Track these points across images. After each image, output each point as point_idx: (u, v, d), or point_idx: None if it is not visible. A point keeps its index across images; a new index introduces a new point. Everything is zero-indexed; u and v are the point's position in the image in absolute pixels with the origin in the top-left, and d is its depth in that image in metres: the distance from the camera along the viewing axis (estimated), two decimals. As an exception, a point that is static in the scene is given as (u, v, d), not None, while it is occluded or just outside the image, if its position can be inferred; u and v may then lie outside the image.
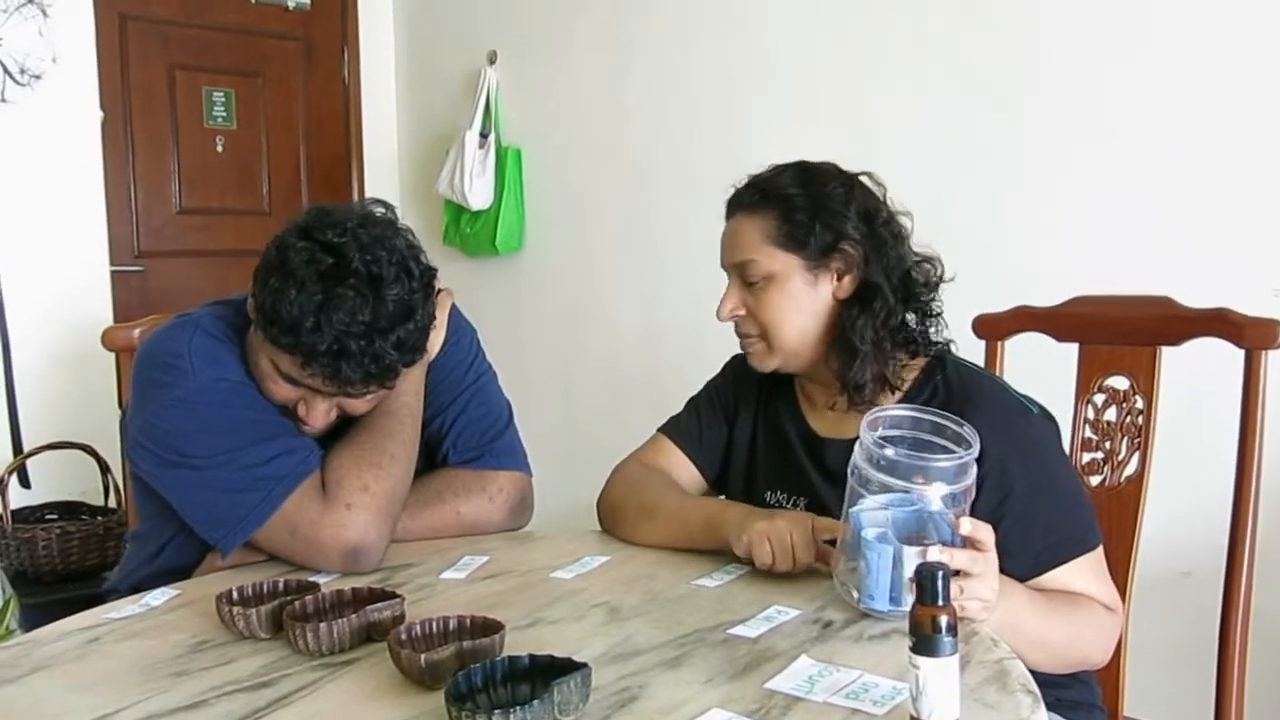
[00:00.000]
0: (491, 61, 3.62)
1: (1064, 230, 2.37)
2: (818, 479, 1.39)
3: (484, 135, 3.57)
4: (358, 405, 1.37)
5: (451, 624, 1.06)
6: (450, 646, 0.97)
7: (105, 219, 3.17)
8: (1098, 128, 2.31)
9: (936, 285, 1.38)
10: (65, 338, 2.98)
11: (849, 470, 1.14)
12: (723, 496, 1.53)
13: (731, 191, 1.42)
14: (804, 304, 1.36)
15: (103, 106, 3.30)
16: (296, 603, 1.11)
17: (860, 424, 1.27)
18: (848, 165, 1.42)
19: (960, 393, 1.32)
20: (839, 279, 1.36)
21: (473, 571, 1.33)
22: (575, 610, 1.17)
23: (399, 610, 1.10)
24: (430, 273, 1.34)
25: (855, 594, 1.09)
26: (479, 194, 3.52)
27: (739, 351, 1.53)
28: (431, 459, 1.55)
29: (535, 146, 3.57)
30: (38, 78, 2.86)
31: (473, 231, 3.59)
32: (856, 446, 1.14)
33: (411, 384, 1.46)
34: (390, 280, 1.26)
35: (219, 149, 3.72)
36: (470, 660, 0.97)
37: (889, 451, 1.10)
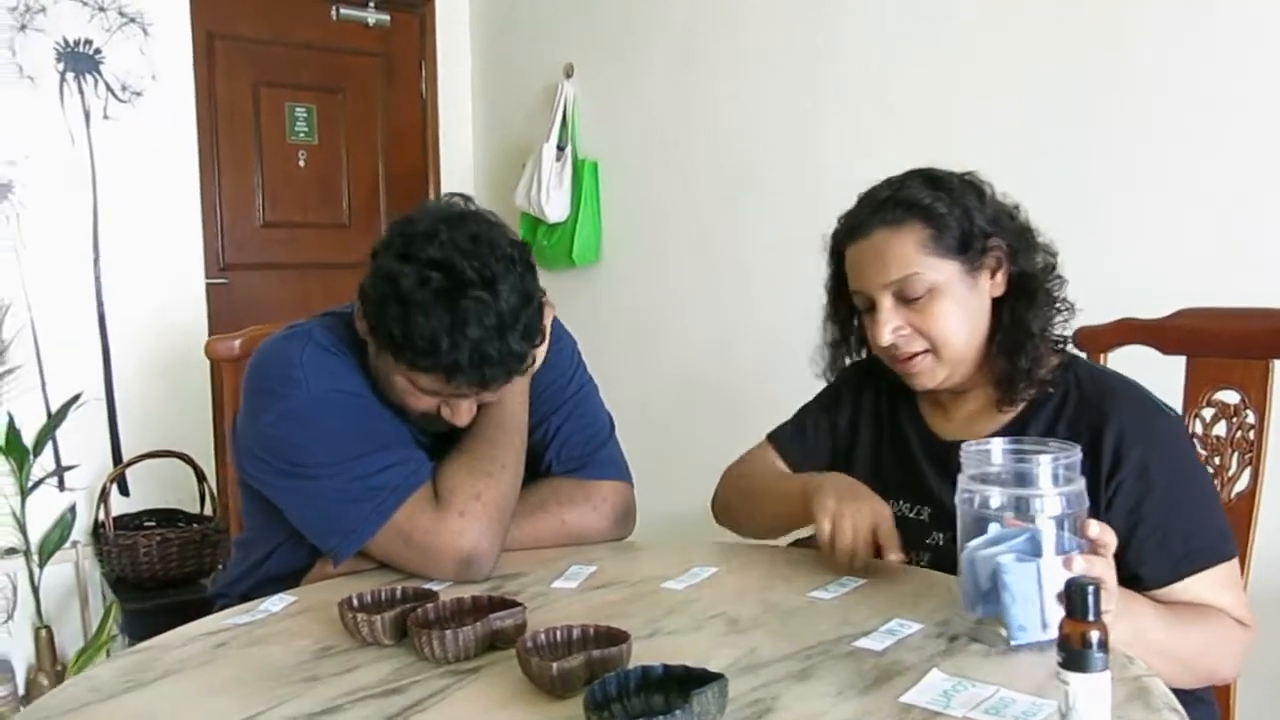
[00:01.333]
0: (569, 75, 3.63)
1: (1166, 239, 2.32)
2: (943, 486, 1.37)
3: (561, 148, 3.58)
4: (493, 397, 1.39)
5: (575, 633, 1.06)
6: (580, 655, 0.97)
7: (201, 232, 3.23)
8: (1201, 131, 2.26)
9: (1058, 275, 1.38)
10: (163, 348, 3.05)
11: (958, 503, 1.11)
12: None
13: (847, 216, 1.41)
14: (970, 309, 1.34)
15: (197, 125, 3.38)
16: (419, 610, 1.12)
17: (986, 427, 1.27)
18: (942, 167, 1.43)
19: (1096, 390, 1.30)
20: (993, 276, 1.35)
21: (583, 581, 1.33)
22: (693, 621, 1.17)
23: (521, 619, 1.11)
24: (525, 248, 1.36)
25: (1004, 632, 1.05)
26: (556, 206, 3.54)
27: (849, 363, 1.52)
28: (534, 469, 1.55)
29: (611, 159, 3.57)
30: (139, 94, 2.94)
31: (550, 244, 3.60)
32: (960, 482, 1.11)
33: (517, 394, 1.47)
34: (502, 275, 1.28)
35: (301, 164, 3.79)
36: (600, 670, 0.97)
37: (993, 495, 1.08)
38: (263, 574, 1.50)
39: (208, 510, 2.65)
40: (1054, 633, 1.02)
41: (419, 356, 1.28)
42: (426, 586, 1.26)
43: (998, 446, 1.12)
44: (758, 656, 1.05)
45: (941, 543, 1.37)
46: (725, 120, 3.20)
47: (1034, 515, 1.05)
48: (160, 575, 2.43)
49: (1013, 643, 1.05)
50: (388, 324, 1.29)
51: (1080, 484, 1.06)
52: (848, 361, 1.52)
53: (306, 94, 3.80)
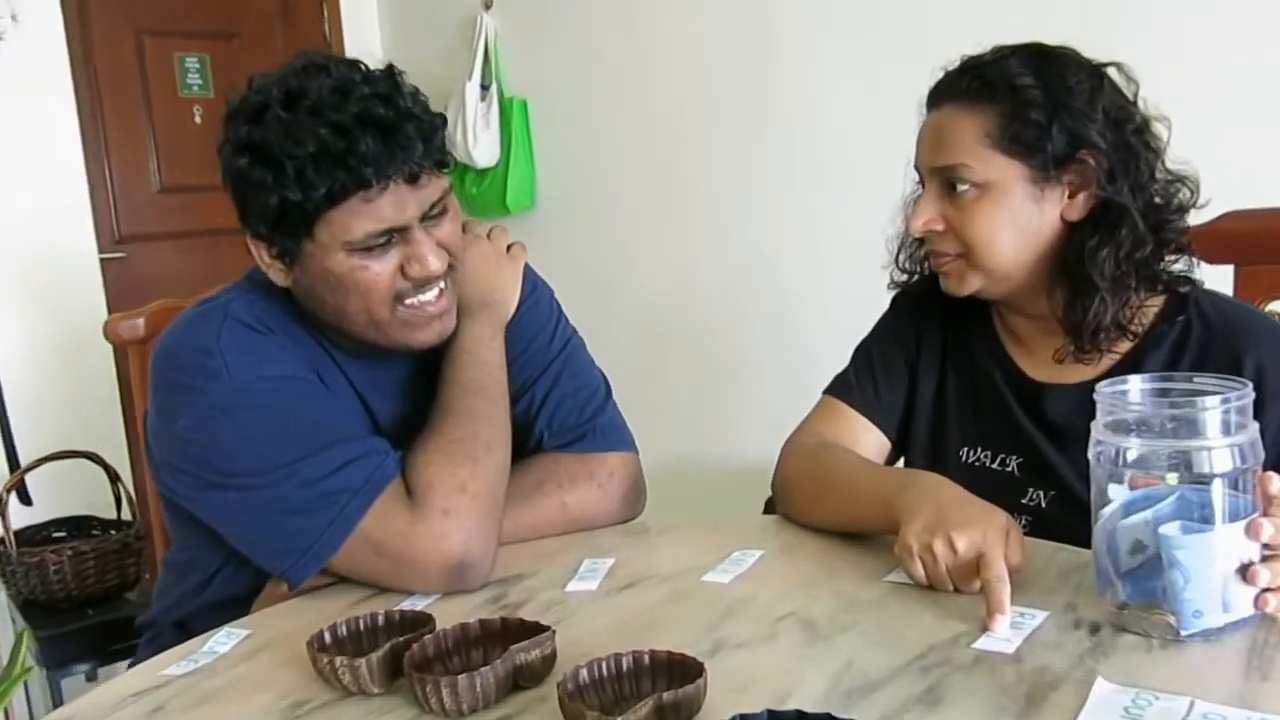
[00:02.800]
0: (487, 6, 3.33)
1: (1207, 137, 2.12)
2: (1035, 432, 1.16)
3: (485, 87, 3.31)
4: (445, 230, 1.14)
5: (626, 663, 0.82)
6: (647, 702, 0.73)
7: (89, 200, 2.89)
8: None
9: (1187, 211, 1.14)
10: (56, 334, 2.71)
11: (1091, 459, 0.89)
12: (901, 461, 1.29)
13: (939, 75, 1.18)
14: (1023, 222, 1.12)
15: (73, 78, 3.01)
16: (416, 646, 0.86)
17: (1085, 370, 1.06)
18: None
19: (1224, 325, 1.09)
20: (1071, 195, 1.12)
21: (603, 580, 1.08)
22: (759, 627, 0.93)
23: (550, 648, 0.86)
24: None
25: (1170, 619, 0.83)
26: (484, 151, 3.27)
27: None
28: (522, 445, 1.30)
29: (542, 96, 3.31)
30: (-2, 38, 2.56)
31: (479, 192, 3.34)
32: (1094, 433, 0.89)
33: (494, 351, 1.21)
34: (360, 74, 1.08)
35: (197, 119, 3.43)
36: (674, 717, 0.73)
37: (1142, 449, 0.85)
38: (205, 600, 1.23)
39: (125, 515, 2.34)
40: (1237, 615, 0.82)
41: (320, 177, 1.03)
42: (416, 608, 1.01)
43: (1137, 386, 0.90)
44: (862, 675, 0.82)
45: (1043, 504, 1.16)
46: (674, 46, 2.93)
47: (1202, 473, 0.83)
48: (76, 594, 2.12)
49: (1184, 633, 0.83)
50: (275, 192, 1.04)
51: (1254, 431, 0.84)
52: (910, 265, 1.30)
53: (196, 42, 3.43)
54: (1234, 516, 0.83)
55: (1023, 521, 1.16)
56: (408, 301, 1.13)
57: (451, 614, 1.00)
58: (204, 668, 0.96)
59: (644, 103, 3.03)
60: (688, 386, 3.01)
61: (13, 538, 2.22)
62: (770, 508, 2.37)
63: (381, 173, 1.04)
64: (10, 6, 2.60)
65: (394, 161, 1.05)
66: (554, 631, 0.86)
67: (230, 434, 1.09)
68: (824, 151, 2.63)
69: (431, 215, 1.12)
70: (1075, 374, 1.16)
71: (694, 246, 2.97)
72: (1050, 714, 0.74)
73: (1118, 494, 0.87)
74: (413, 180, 1.07)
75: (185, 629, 1.24)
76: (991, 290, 1.17)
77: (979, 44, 1.18)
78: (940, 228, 1.15)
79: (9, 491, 2.35)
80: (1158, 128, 1.14)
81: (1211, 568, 0.81)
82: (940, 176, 1.14)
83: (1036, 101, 1.09)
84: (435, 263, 1.11)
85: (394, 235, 1.09)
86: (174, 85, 3.39)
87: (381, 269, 1.10)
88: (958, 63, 1.17)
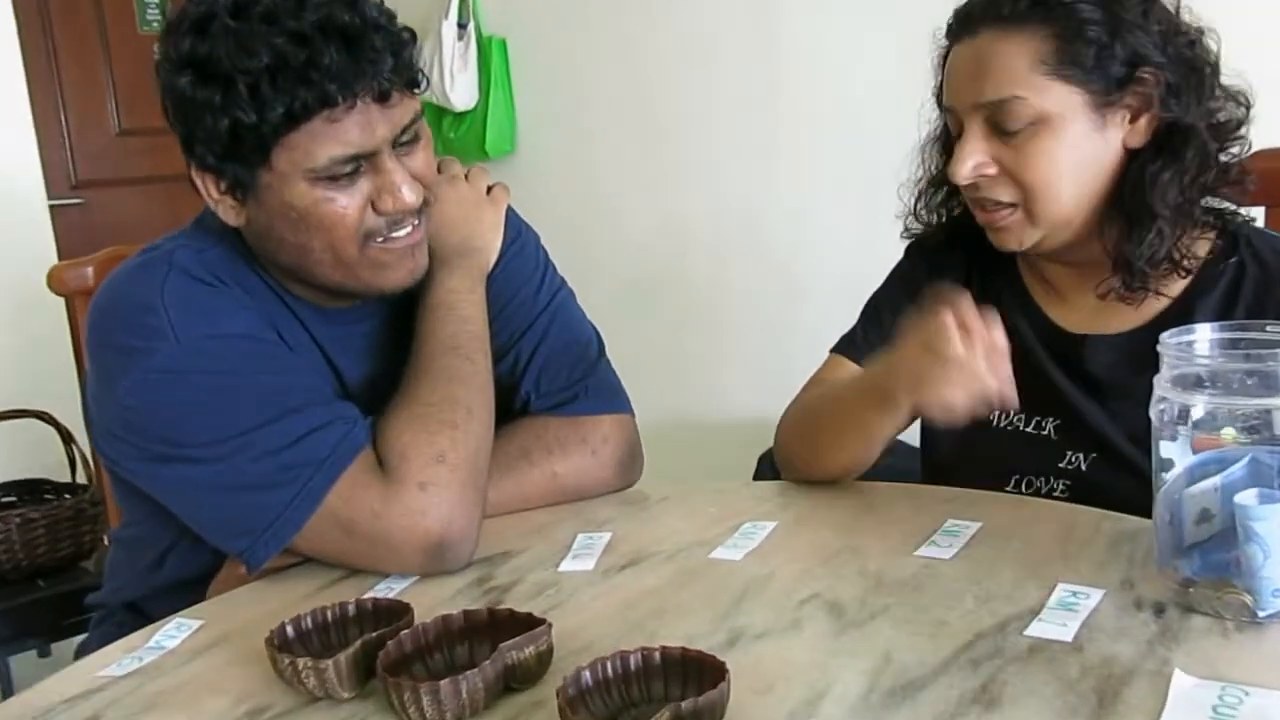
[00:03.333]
0: (460, -54, 3.16)
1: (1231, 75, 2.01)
2: (1074, 390, 1.06)
3: (462, 25, 3.12)
4: (418, 160, 1.01)
5: (634, 663, 0.71)
6: (663, 713, 0.62)
7: (36, 143, 2.72)
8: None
9: (1245, 129, 1.03)
10: (2, 287, 2.56)
11: (1153, 419, 0.78)
12: (917, 426, 1.18)
13: (962, 4, 1.04)
14: (1087, 156, 1.00)
15: (15, 15, 2.84)
16: (391, 643, 0.75)
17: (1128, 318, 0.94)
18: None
19: None
20: (1133, 120, 1.00)
21: (600, 557, 0.97)
22: (780, 612, 0.83)
23: (545, 643, 0.75)
24: None
25: (1246, 599, 0.73)
26: (462, 93, 3.10)
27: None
28: (507, 408, 1.18)
29: (523, 34, 3.15)
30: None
31: (458, 136, 3.18)
32: (1156, 389, 0.78)
33: (474, 305, 1.09)
34: None
35: (158, 59, 3.25)
36: (694, 728, 0.63)
37: (1211, 406, 0.75)
38: (156, 582, 1.12)
39: (80, 478, 2.21)
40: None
41: (277, 95, 0.89)
42: (392, 592, 0.90)
43: (1206, 335, 0.79)
44: (904, 670, 0.72)
45: (1084, 466, 1.06)
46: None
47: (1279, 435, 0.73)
48: (28, 564, 1.98)
49: (1261, 614, 0.73)
50: (225, 114, 0.91)
51: None
52: (933, 216, 1.18)
53: (155, -26, 3.25)
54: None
55: (1060, 487, 1.06)
56: (379, 240, 1.01)
57: (432, 600, 0.90)
58: (149, 666, 0.85)
59: (629, 42, 2.88)
60: (674, 340, 2.90)
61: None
62: (762, 472, 2.29)
63: (348, 88, 0.91)
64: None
65: (361, 76, 0.92)
66: (550, 625, 0.75)
67: (177, 400, 0.97)
68: (817, 95, 2.51)
69: (403, 142, 0.99)
70: (1117, 322, 1.06)
71: (681, 194, 2.83)
72: (1126, 710, 0.64)
73: (1182, 456, 0.77)
74: (383, 99, 0.94)
75: (138, 611, 1.13)
76: (1051, 242, 1.05)
77: None
78: (993, 171, 1.02)
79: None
80: (1208, 42, 1.02)
81: (1293, 544, 0.71)
82: (985, 113, 1.01)
83: (1093, 16, 0.97)
84: (409, 195, 0.98)
85: (362, 163, 0.96)
86: (133, 22, 3.22)
87: (349, 202, 0.97)
88: None
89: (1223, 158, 1.02)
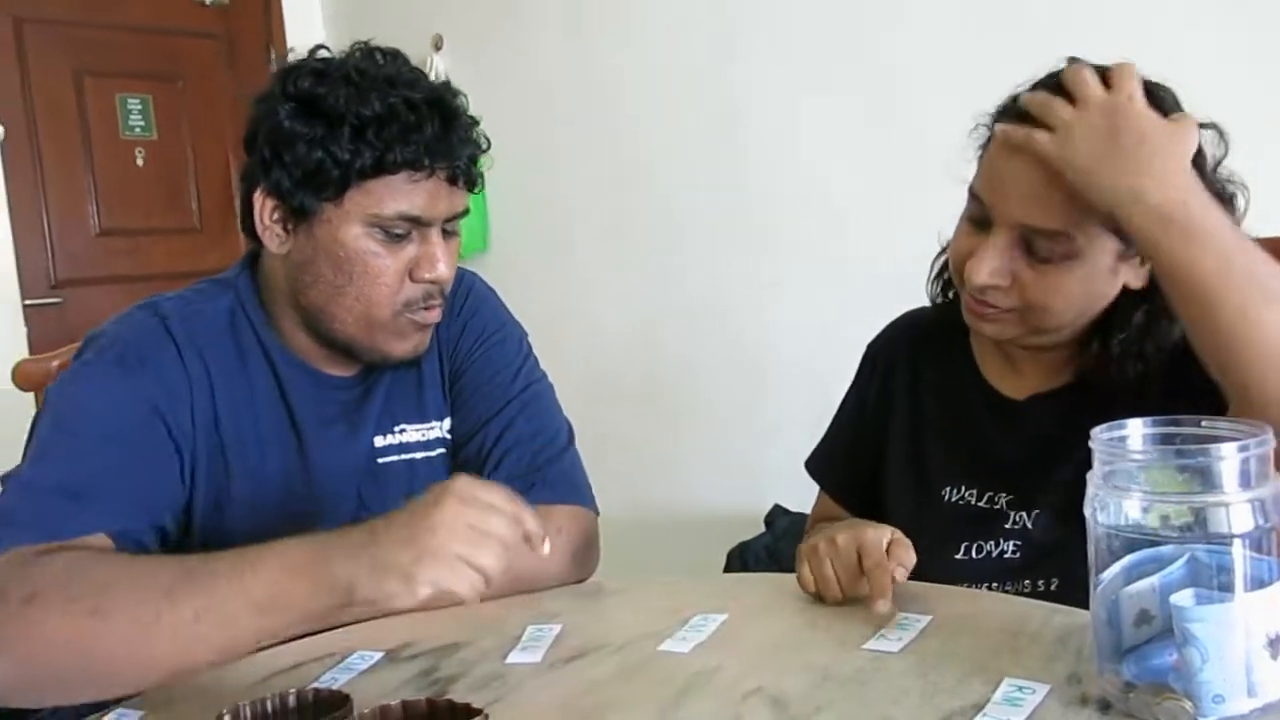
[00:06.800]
0: (438, 48, 3.26)
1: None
2: (1020, 456, 1.08)
3: (438, 128, 3.22)
4: (453, 247, 1.13)
5: (570, 754, 0.70)
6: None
7: (12, 244, 2.74)
8: None
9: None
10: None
11: (1087, 516, 0.78)
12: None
13: (1027, 95, 1.00)
14: (1096, 292, 1.01)
15: (1, 120, 2.88)
16: (325, 734, 0.74)
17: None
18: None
19: None
20: (1141, 264, 1.01)
21: (549, 650, 0.96)
22: (722, 706, 0.82)
23: (483, 735, 0.74)
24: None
25: (1186, 705, 0.72)
26: (437, 193, 3.17)
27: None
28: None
29: (495, 138, 3.12)
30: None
31: (432, 235, 3.23)
32: (1090, 486, 0.78)
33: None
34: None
35: (139, 162, 3.32)
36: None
37: (1143, 506, 0.74)
38: None
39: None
40: (1264, 699, 0.71)
41: (377, 142, 1.02)
42: (333, 685, 0.89)
43: (1139, 430, 0.80)
44: (844, 763, 0.71)
45: (1029, 525, 1.07)
46: (628, 88, 2.87)
47: (1218, 533, 0.73)
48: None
49: (1202, 720, 0.72)
50: (320, 147, 1.02)
51: (1277, 484, 0.74)
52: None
53: (139, 83, 3.33)
54: (1256, 583, 0.72)
55: (1010, 548, 1.06)
56: (411, 313, 1.10)
57: (378, 690, 0.89)
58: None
59: (598, 145, 2.96)
60: (641, 433, 2.91)
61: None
62: (730, 567, 2.27)
63: (436, 160, 1.04)
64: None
65: (449, 153, 1.05)
66: (486, 715, 0.74)
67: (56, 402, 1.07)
68: (780, 194, 2.57)
69: (448, 230, 1.11)
70: (1055, 377, 1.09)
71: (648, 291, 2.88)
72: (1064, 812, 0.63)
73: (1117, 557, 0.77)
74: (452, 181, 1.07)
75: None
76: (1030, 342, 1.07)
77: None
78: (1005, 284, 1.01)
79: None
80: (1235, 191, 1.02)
81: (1233, 643, 0.70)
82: (1023, 232, 0.99)
83: None
84: (445, 269, 1.10)
85: (414, 230, 1.07)
86: (116, 127, 3.28)
87: (392, 262, 1.08)
88: (1052, 78, 0.99)
89: None
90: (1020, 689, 0.80)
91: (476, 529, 0.86)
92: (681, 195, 2.76)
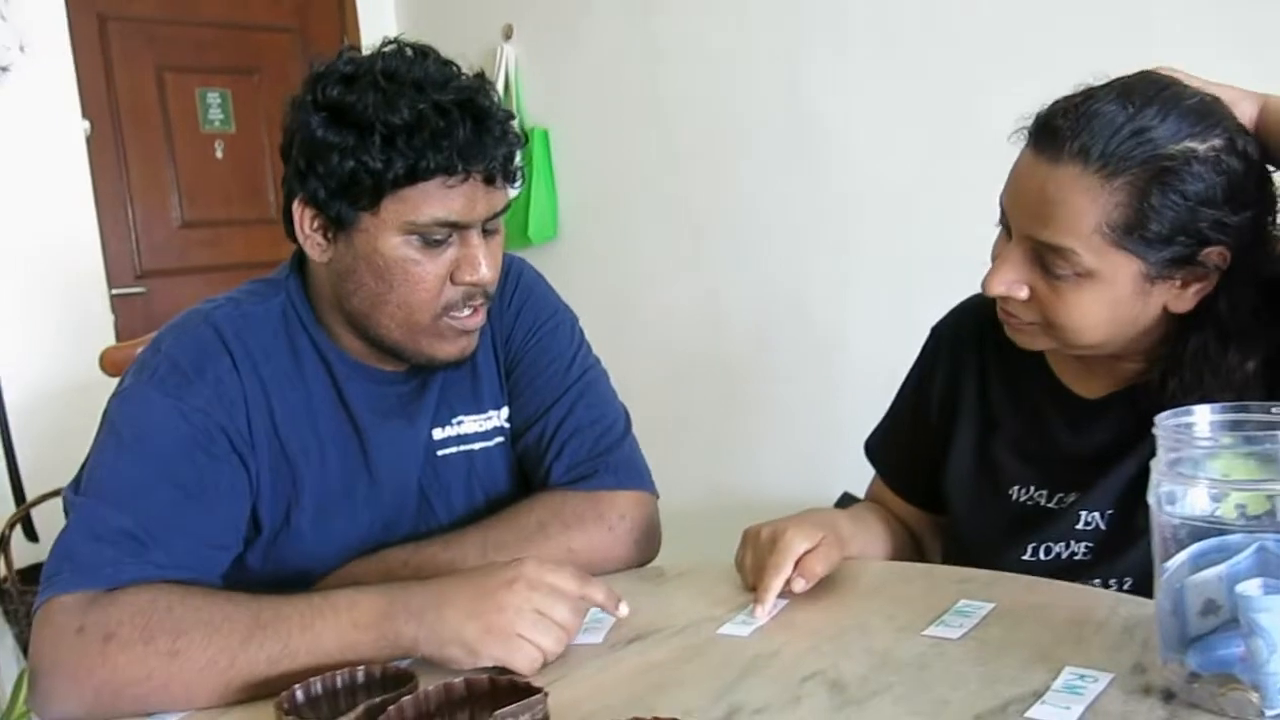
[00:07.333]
0: (507, 37, 3.29)
1: None
2: (1095, 455, 1.05)
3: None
4: (495, 245, 1.09)
5: (627, 733, 0.71)
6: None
7: (99, 236, 2.84)
8: None
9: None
10: (63, 371, 2.65)
11: (1151, 504, 0.77)
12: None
13: (1059, 104, 0.96)
14: (1124, 315, 0.96)
15: (87, 116, 2.98)
16: (391, 709, 0.76)
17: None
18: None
19: None
20: (1183, 288, 0.96)
21: (610, 631, 0.98)
22: (781, 689, 0.82)
23: (541, 712, 0.76)
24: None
25: (1252, 697, 0.71)
26: (507, 182, 3.20)
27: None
28: (528, 481, 1.21)
29: (563, 125, 3.25)
30: (4, 70, 2.50)
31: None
32: (1153, 473, 0.77)
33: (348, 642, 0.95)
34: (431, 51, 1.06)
35: (218, 154, 3.40)
36: (679, 799, 0.63)
37: (1200, 488, 0.74)
38: None
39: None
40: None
41: (408, 150, 0.98)
42: (402, 663, 0.91)
43: (1205, 417, 0.79)
44: (901, 748, 0.71)
45: (1102, 525, 1.04)
46: (698, 72, 2.87)
47: (1280, 517, 0.72)
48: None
49: (1269, 712, 0.71)
50: (352, 157, 0.99)
51: None
52: None
53: (217, 77, 3.41)
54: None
55: (1082, 550, 1.04)
56: (451, 317, 1.08)
57: (439, 669, 0.90)
58: (165, 731, 0.87)
59: (668, 130, 2.96)
60: (711, 422, 2.91)
61: (15, 576, 2.14)
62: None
63: (470, 163, 1.01)
64: (18, 37, 2.55)
65: (483, 155, 1.02)
66: (546, 694, 0.76)
67: (113, 426, 1.05)
68: (853, 175, 2.55)
69: (489, 229, 1.08)
70: (1130, 377, 1.05)
71: (719, 277, 2.88)
72: (1122, 800, 0.63)
73: (1182, 546, 0.75)
74: (489, 181, 1.04)
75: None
76: (1070, 354, 1.05)
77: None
78: (1023, 296, 0.98)
79: (13, 527, 2.28)
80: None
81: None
82: (1033, 244, 0.96)
83: (1175, 196, 0.90)
84: (486, 271, 1.06)
85: (454, 233, 1.05)
86: (195, 121, 3.37)
87: (433, 269, 1.05)
88: (1080, 92, 0.96)
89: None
90: (1081, 677, 0.79)
91: (543, 615, 0.90)
92: (753, 182, 2.76)
